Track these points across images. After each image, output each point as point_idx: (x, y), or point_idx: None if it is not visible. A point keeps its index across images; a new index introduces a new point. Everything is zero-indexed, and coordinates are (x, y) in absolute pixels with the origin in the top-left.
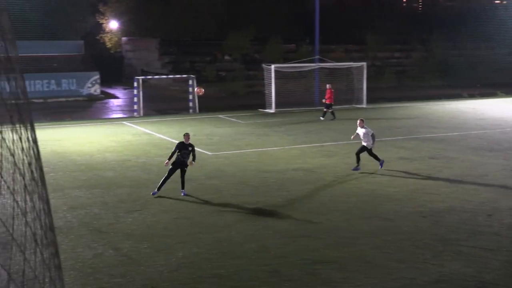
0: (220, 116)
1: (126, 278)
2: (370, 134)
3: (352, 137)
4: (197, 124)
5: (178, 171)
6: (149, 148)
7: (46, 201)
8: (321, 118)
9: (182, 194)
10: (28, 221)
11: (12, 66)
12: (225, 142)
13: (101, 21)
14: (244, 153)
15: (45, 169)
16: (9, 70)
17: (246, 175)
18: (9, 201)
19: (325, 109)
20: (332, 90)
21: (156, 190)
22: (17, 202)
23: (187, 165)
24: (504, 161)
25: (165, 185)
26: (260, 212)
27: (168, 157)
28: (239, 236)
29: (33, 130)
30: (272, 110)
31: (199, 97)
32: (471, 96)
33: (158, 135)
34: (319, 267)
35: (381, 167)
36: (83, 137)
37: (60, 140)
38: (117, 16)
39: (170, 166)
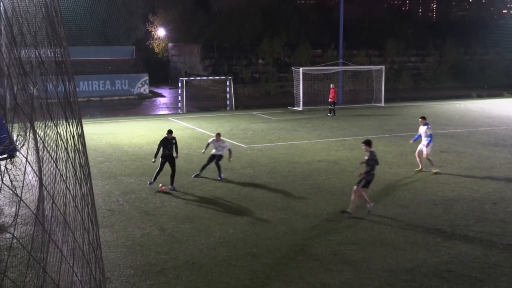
0: (254, 113)
1: (170, 255)
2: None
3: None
4: (233, 120)
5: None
6: (191, 141)
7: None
8: (328, 114)
9: (171, 188)
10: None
11: (66, 69)
12: (259, 136)
13: (150, 29)
14: (275, 146)
15: (100, 159)
16: (64, 73)
17: (276, 165)
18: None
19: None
20: (336, 89)
21: (152, 180)
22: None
23: (174, 158)
24: (509, 155)
25: (159, 176)
26: (289, 198)
27: (154, 154)
28: (270, 219)
29: (80, 125)
30: (300, 108)
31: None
32: (480, 96)
33: (199, 130)
34: (342, 247)
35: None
36: (134, 131)
37: (114, 133)
38: (164, 24)
39: (161, 160)
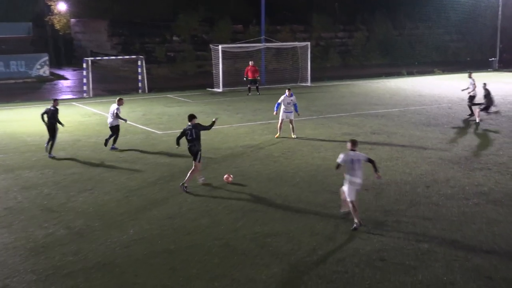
0: (169, 96)
1: (78, 256)
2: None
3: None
4: (146, 104)
5: None
6: (99, 128)
7: None
8: (249, 94)
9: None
10: None
11: None
12: (175, 121)
13: (49, 3)
14: None
15: None
16: None
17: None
18: None
19: (252, 85)
20: (256, 67)
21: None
22: None
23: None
24: (441, 135)
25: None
26: (210, 188)
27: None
28: (190, 212)
29: None
30: (220, 89)
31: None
32: (410, 74)
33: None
34: (268, 240)
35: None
36: (33, 118)
37: (10, 121)
38: None
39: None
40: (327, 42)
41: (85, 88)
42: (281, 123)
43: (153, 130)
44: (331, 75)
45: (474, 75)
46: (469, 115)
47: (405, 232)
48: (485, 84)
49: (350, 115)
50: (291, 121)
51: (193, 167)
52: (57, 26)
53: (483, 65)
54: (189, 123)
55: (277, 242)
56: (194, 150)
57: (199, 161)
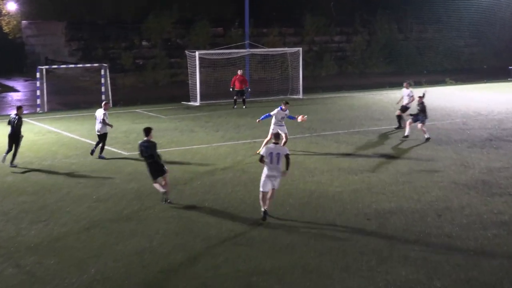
0: (138, 110)
1: None
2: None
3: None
4: (112, 120)
5: None
6: (55, 149)
7: None
8: (235, 107)
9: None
10: None
11: None
12: None
13: None
14: (166, 152)
15: None
16: None
17: (169, 176)
18: None
19: (239, 98)
20: (244, 77)
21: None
22: None
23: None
24: (454, 155)
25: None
26: (186, 218)
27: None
28: (162, 246)
29: None
30: (197, 103)
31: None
32: (418, 84)
33: (66, 134)
34: (254, 279)
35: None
36: None
37: None
38: None
39: None
40: (321, 47)
41: (38, 101)
42: (270, 138)
43: (118, 151)
44: (326, 85)
45: (489, 85)
46: (396, 128)
47: (414, 269)
48: (421, 97)
49: (349, 133)
50: (285, 135)
51: (165, 181)
52: (6, 29)
53: (502, 74)
54: (145, 138)
55: (264, 282)
56: (158, 166)
57: (166, 171)
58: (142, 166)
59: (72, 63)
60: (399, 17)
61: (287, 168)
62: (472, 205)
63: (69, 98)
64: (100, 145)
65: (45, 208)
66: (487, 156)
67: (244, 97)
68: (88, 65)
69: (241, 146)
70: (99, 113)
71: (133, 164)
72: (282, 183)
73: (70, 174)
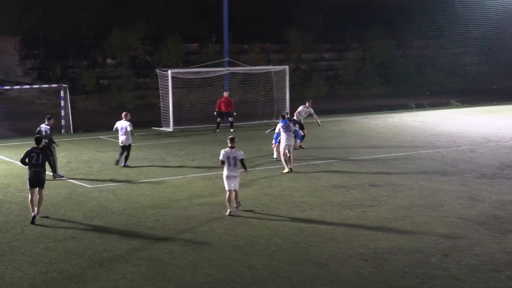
0: (102, 137)
1: None
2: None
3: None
4: (72, 148)
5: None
6: (7, 181)
7: None
8: (217, 131)
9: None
10: None
11: None
12: (110, 171)
13: None
14: (135, 185)
15: None
16: None
17: (137, 213)
18: None
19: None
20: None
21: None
22: None
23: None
24: (461, 187)
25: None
26: (157, 260)
27: None
28: None
29: None
30: (170, 129)
31: None
32: (420, 106)
33: (20, 164)
34: None
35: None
36: None
37: None
38: None
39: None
40: (309, 65)
41: None
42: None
43: (80, 183)
44: (315, 108)
45: (500, 108)
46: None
47: None
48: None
49: (342, 162)
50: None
51: (40, 197)
52: None
53: None
54: (37, 145)
55: None
56: (41, 178)
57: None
58: (107, 201)
59: (26, 84)
60: (397, 32)
61: (244, 171)
62: (482, 243)
63: (23, 123)
64: (125, 154)
65: None
66: (499, 188)
67: (231, 119)
68: (45, 86)
69: (220, 177)
70: (122, 124)
71: (97, 198)
72: (266, 219)
73: (24, 210)
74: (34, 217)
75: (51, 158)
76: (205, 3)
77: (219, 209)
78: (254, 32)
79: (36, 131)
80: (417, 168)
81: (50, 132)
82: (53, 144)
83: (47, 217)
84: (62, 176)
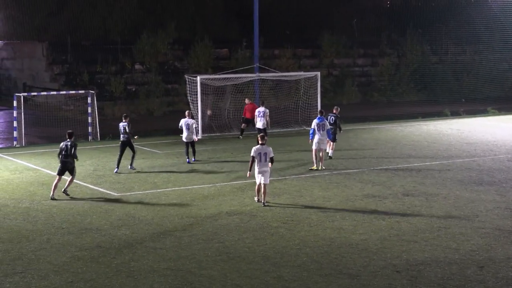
0: None
1: None
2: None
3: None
4: (98, 156)
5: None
6: (34, 189)
7: None
8: (240, 137)
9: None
10: None
11: None
12: (137, 179)
13: None
14: (162, 193)
15: None
16: None
17: (165, 222)
18: None
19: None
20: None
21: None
22: None
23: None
24: (497, 197)
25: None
26: (185, 270)
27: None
28: None
29: None
30: (199, 136)
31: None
32: (456, 114)
33: (47, 171)
34: None
35: None
36: None
37: None
38: None
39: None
40: (342, 71)
41: (15, 134)
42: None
43: (107, 191)
44: (348, 115)
45: None
46: None
47: None
48: None
49: (375, 170)
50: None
51: (70, 179)
52: None
53: None
54: (69, 138)
55: None
56: (68, 167)
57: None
58: (135, 209)
59: (54, 90)
60: (433, 37)
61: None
62: None
63: (50, 130)
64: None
65: (21, 258)
66: None
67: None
68: (73, 92)
69: (250, 186)
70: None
71: (124, 207)
72: (297, 230)
73: (50, 219)
74: (53, 197)
75: (132, 150)
76: (237, 7)
77: (248, 218)
78: (285, 37)
79: (120, 129)
80: (452, 178)
81: (129, 127)
82: (134, 137)
83: (69, 196)
84: (135, 168)
